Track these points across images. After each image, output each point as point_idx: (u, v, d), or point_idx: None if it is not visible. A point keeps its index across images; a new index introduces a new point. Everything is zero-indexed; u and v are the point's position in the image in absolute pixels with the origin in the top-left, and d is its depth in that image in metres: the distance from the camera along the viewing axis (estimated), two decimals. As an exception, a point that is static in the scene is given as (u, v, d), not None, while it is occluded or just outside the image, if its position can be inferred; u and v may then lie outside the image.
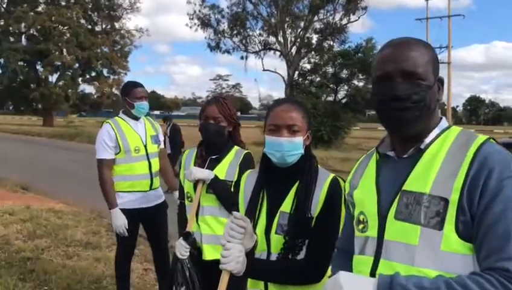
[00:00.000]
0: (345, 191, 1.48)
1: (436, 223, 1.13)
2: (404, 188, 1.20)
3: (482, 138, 1.19)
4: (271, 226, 1.75)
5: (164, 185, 3.84)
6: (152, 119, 3.81)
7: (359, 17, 26.27)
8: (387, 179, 1.28)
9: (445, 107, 30.17)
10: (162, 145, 3.80)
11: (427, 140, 1.23)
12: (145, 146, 3.56)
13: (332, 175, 1.78)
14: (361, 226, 1.31)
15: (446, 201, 1.12)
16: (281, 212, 1.74)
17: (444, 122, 1.28)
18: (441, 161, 1.18)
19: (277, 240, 1.73)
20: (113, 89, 45.47)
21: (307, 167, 1.76)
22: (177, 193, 3.23)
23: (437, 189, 1.14)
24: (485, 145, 1.16)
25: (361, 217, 1.31)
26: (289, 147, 1.70)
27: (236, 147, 2.61)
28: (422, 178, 1.18)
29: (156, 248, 3.74)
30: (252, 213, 1.79)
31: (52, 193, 8.86)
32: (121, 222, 3.38)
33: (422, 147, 1.23)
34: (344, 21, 26.07)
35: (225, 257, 1.54)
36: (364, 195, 1.32)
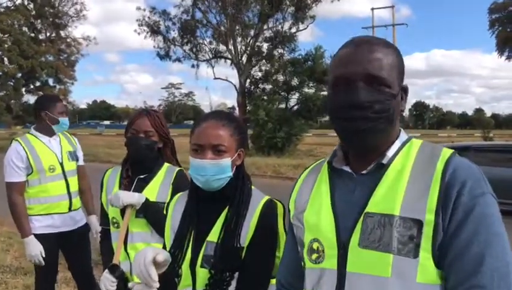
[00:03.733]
0: (288, 212, 1.27)
1: (410, 250, 0.97)
2: (367, 209, 1.04)
3: (447, 150, 1.05)
4: (196, 258, 1.55)
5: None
6: (68, 134, 3.49)
7: (308, 26, 26.67)
8: (344, 199, 1.10)
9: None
10: (81, 162, 3.49)
11: (389, 154, 1.08)
12: (61, 164, 3.27)
13: (266, 198, 1.59)
14: (314, 256, 1.11)
15: (420, 223, 0.97)
16: (207, 242, 1.54)
17: (403, 134, 1.13)
18: (407, 178, 1.03)
19: (202, 274, 1.53)
20: (60, 99, 43.77)
21: (238, 190, 1.57)
22: (94, 219, 2.98)
23: (408, 210, 0.99)
24: (453, 158, 1.03)
25: (314, 246, 1.11)
26: (214, 171, 1.50)
27: (166, 165, 2.39)
28: (389, 198, 1.02)
29: (80, 277, 3.45)
30: (179, 244, 1.59)
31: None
32: (36, 251, 3.11)
33: (384, 162, 1.07)
34: (293, 29, 26.40)
35: None
36: (317, 219, 1.12)
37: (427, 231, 0.97)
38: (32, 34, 41.98)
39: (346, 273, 1.04)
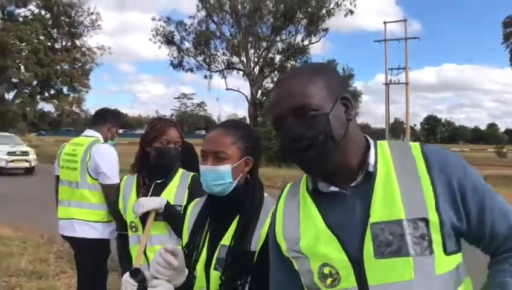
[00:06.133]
0: (276, 247, 1.23)
1: (426, 248, 1.01)
2: (372, 220, 1.04)
3: (414, 143, 1.14)
4: (211, 260, 1.60)
5: None
6: None
7: (320, 39, 26.85)
8: (338, 217, 1.09)
9: (404, 126, 30.99)
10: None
11: (371, 161, 1.10)
12: None
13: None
14: (329, 280, 1.09)
15: (426, 220, 1.01)
16: (221, 246, 1.59)
17: (370, 140, 1.16)
18: (395, 179, 1.06)
19: (216, 277, 1.57)
20: (74, 107, 44.43)
21: (248, 197, 1.63)
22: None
23: (412, 210, 1.02)
24: (425, 148, 1.12)
25: (326, 270, 1.09)
26: (213, 177, 1.56)
27: (181, 170, 2.46)
28: (389, 203, 1.04)
29: None
30: (193, 246, 1.65)
31: (1, 217, 8.36)
32: None
33: (370, 170, 1.09)
34: (306, 42, 26.57)
35: None
36: (318, 244, 1.10)
37: (434, 226, 1.02)
38: (49, 43, 42.71)
39: (369, 287, 1.04)
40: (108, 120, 3.38)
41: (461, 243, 1.10)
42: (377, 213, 1.04)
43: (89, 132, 3.32)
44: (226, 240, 1.59)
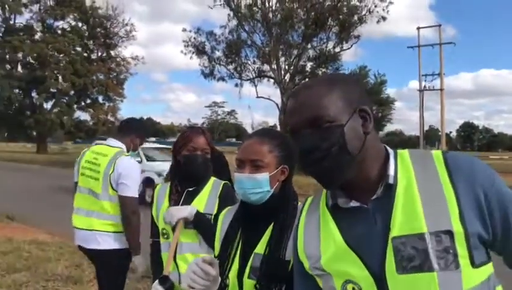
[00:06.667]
0: (299, 264, 1.22)
1: (451, 262, 0.96)
2: (393, 234, 1.00)
3: (437, 151, 1.09)
4: (244, 269, 1.58)
5: None
6: None
7: (352, 46, 26.62)
8: (358, 232, 1.06)
9: (439, 133, 30.25)
10: None
11: (391, 172, 1.06)
12: None
13: None
14: None
15: (451, 233, 0.96)
16: (255, 254, 1.57)
17: (389, 150, 1.12)
18: (417, 190, 1.02)
19: (249, 286, 1.55)
20: (109, 116, 45.65)
21: (282, 206, 1.61)
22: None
23: (434, 223, 0.97)
24: (447, 155, 1.06)
25: (349, 287, 1.07)
26: (250, 185, 1.55)
27: (212, 178, 2.46)
28: (410, 216, 1.00)
29: None
30: (224, 254, 1.64)
31: (39, 223, 8.63)
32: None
33: (391, 181, 1.05)
34: (337, 49, 26.40)
35: None
36: (339, 261, 1.08)
37: (459, 238, 0.97)
38: (85, 54, 44.17)
39: None
40: (133, 131, 3.36)
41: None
42: (398, 227, 1.00)
43: (112, 141, 3.30)
44: (260, 248, 1.58)
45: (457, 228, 0.97)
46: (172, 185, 2.46)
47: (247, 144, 1.60)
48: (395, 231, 1.00)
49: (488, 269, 1.03)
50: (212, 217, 2.30)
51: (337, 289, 1.10)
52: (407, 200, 1.02)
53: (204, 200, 2.37)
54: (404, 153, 1.12)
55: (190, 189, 2.40)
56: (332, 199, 1.14)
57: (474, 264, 0.98)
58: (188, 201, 2.36)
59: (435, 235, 0.97)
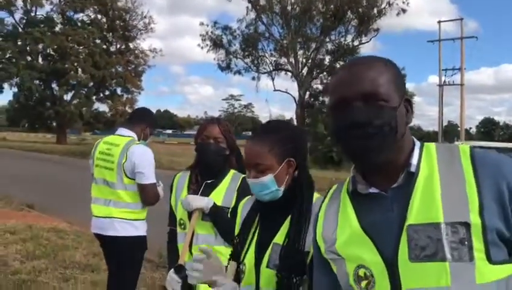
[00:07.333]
0: (317, 248, 1.22)
1: (465, 254, 0.95)
2: (409, 222, 1.00)
3: (464, 146, 1.07)
4: (262, 258, 1.58)
5: None
6: None
7: (370, 39, 26.33)
8: (375, 219, 1.07)
9: (458, 129, 29.79)
10: None
11: (414, 161, 1.06)
12: None
13: None
14: (364, 283, 1.06)
15: (467, 225, 0.95)
16: (273, 244, 1.57)
17: (417, 141, 1.12)
18: (438, 181, 1.02)
19: (268, 275, 1.55)
20: (127, 108, 46.10)
21: (298, 196, 1.60)
22: None
23: (451, 214, 0.97)
24: (474, 150, 1.04)
25: (361, 272, 1.06)
26: (258, 188, 1.57)
27: (232, 171, 2.45)
28: (428, 206, 0.99)
29: None
30: (242, 243, 1.65)
31: (58, 212, 8.80)
32: None
33: (412, 170, 1.05)
34: (356, 42, 26.14)
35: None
36: (353, 245, 1.08)
37: (476, 231, 0.95)
38: (104, 46, 44.61)
39: None
40: (144, 120, 3.40)
41: None
42: (414, 215, 1.00)
43: (123, 130, 3.33)
44: (279, 238, 1.57)
45: (475, 220, 0.95)
46: (193, 175, 2.47)
47: (247, 148, 1.60)
48: (411, 219, 1.00)
49: (508, 269, 0.99)
50: (229, 210, 2.30)
51: (349, 274, 1.10)
52: (426, 190, 1.02)
53: (222, 193, 2.37)
54: (431, 145, 1.11)
55: (208, 181, 2.40)
56: (353, 184, 1.14)
57: (490, 261, 0.96)
58: (206, 193, 2.36)
59: (451, 226, 0.96)
